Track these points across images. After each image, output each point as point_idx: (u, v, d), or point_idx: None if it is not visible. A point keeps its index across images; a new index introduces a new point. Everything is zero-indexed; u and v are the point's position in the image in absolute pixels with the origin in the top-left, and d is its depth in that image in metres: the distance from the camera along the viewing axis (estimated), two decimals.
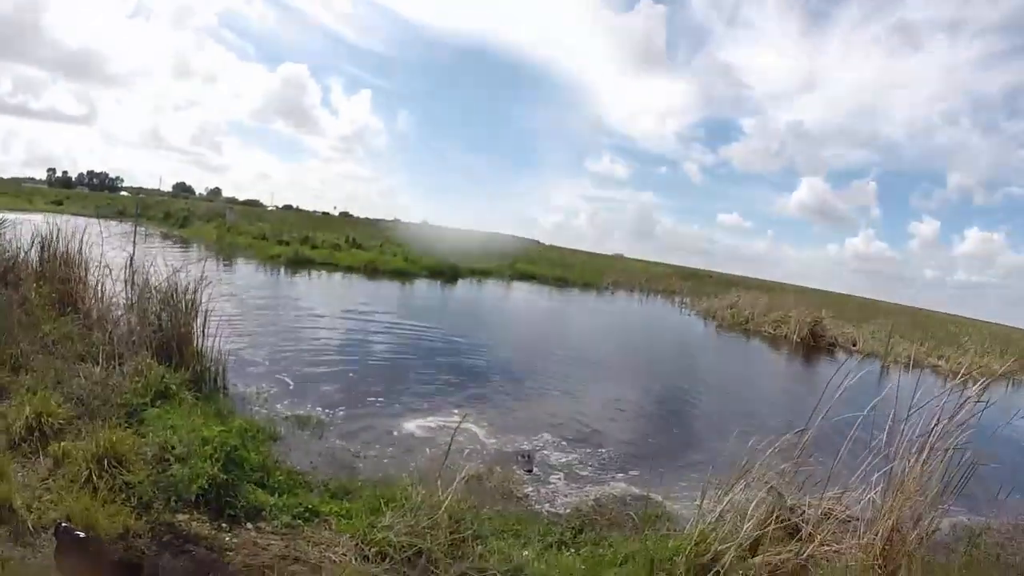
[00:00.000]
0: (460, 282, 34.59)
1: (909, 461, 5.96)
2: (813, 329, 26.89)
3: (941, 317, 41.93)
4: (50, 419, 6.43)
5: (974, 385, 6.48)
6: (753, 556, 5.73)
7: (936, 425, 5.99)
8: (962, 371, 6.90)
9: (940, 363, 22.88)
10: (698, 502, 6.26)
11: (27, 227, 11.88)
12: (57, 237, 11.28)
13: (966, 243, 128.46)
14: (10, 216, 13.00)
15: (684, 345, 25.71)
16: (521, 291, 34.93)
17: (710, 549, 5.45)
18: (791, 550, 5.82)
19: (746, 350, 25.86)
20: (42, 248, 11.30)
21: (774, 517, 6.07)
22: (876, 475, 6.24)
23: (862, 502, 6.34)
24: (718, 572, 5.20)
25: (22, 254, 11.30)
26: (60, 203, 43.84)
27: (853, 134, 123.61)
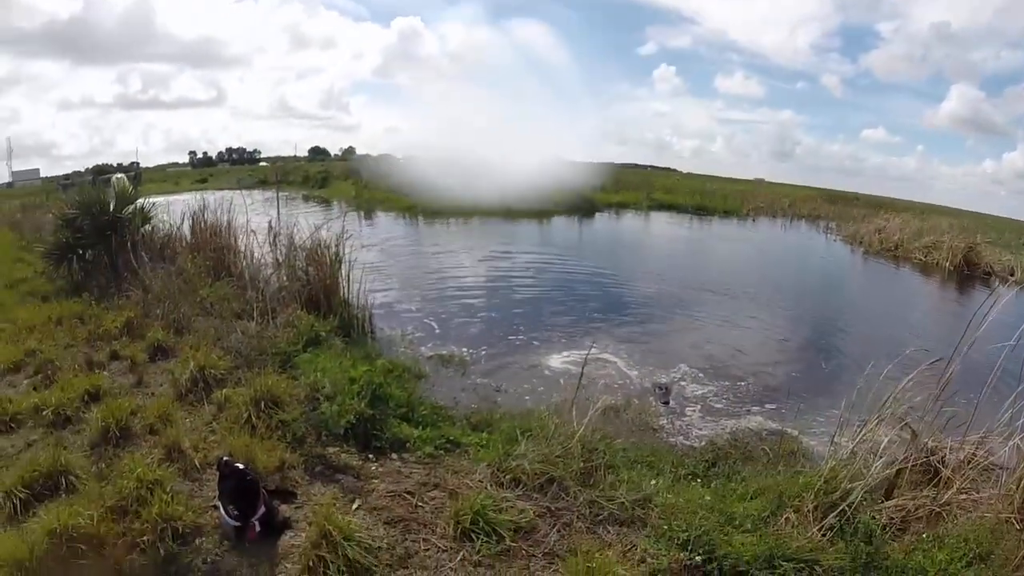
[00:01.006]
0: (597, 216, 34.14)
1: None
2: (967, 256, 24.35)
3: None
4: (212, 371, 6.98)
5: None
6: (888, 499, 5.53)
7: None
8: None
9: None
10: (833, 437, 6.12)
11: (177, 206, 12.73)
12: (204, 211, 12.05)
13: None
14: (160, 199, 13.89)
15: (829, 273, 24.37)
16: (659, 222, 34.14)
17: (839, 487, 5.26)
18: (927, 495, 5.53)
19: (894, 278, 24.26)
20: (192, 222, 12.11)
21: (911, 458, 5.75)
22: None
23: (1007, 448, 5.81)
24: (844, 511, 5.04)
25: (175, 230, 12.18)
26: (204, 180, 45.87)
27: (1003, 33, 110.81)
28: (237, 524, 4.39)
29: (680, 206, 39.24)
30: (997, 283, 21.67)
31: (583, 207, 34.13)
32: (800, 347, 12.93)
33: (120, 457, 5.28)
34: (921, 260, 25.73)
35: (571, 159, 47.07)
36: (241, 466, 4.58)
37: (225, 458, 4.65)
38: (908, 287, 22.97)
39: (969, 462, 5.89)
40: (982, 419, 6.12)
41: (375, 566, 4.34)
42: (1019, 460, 5.54)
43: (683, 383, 9.83)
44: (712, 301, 16.07)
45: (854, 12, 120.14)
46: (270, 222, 11.42)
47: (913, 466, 5.77)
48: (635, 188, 42.72)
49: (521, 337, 11.49)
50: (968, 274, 23.53)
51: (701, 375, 10.24)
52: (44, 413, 6.06)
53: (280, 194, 20.12)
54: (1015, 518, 5.13)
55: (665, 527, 4.93)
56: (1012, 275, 22.99)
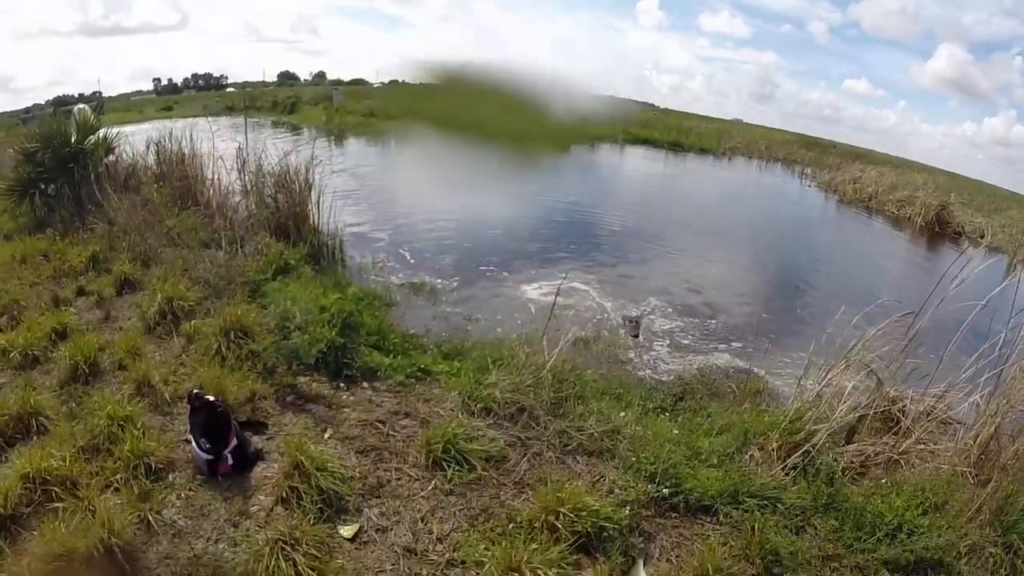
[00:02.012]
0: (572, 147, 33.35)
1: (1020, 368, 5.63)
2: (939, 214, 24.39)
3: None
4: (180, 303, 6.91)
5: None
6: (848, 443, 5.67)
7: None
8: None
9: None
10: (799, 380, 6.20)
11: (142, 136, 12.44)
12: (170, 139, 11.78)
13: None
14: (125, 128, 13.54)
15: (802, 218, 24.66)
16: (635, 156, 33.92)
17: (804, 428, 5.38)
18: (886, 443, 5.71)
19: (866, 228, 24.46)
20: (157, 151, 11.85)
21: (873, 405, 5.89)
22: (984, 376, 5.85)
23: (966, 405, 6.02)
24: (808, 451, 5.15)
25: (140, 160, 11.93)
26: (170, 108, 44.42)
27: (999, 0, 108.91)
28: (209, 457, 4.42)
29: (656, 141, 38.82)
30: (967, 243, 22.05)
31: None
32: (770, 289, 13.11)
33: (90, 395, 5.25)
34: (894, 213, 25.88)
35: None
36: (212, 398, 4.60)
37: (195, 391, 4.66)
38: (880, 238, 23.17)
39: (928, 414, 6.08)
40: (944, 374, 6.27)
41: (348, 495, 4.40)
42: (977, 417, 5.70)
43: (653, 317, 9.94)
44: (685, 238, 16.10)
45: None
46: (238, 148, 11.20)
47: (875, 414, 5.93)
48: (611, 121, 42.28)
49: (493, 267, 11.48)
50: (939, 232, 23.70)
51: (671, 310, 10.35)
52: (11, 355, 5.97)
53: (248, 120, 19.68)
54: (970, 473, 5.30)
55: (633, 459, 5.02)
56: (982, 237, 23.31)
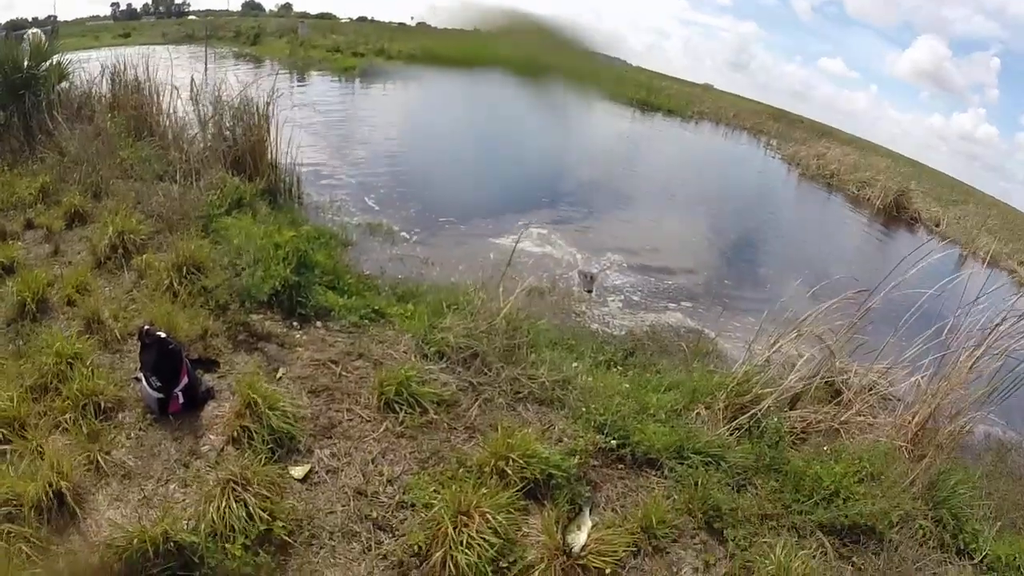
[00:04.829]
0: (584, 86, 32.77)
1: (964, 354, 5.75)
2: (898, 199, 24.98)
3: None
4: (132, 236, 6.73)
5: None
6: (791, 409, 5.84)
7: (1001, 324, 5.71)
8: None
9: (1019, 268, 21.35)
10: (750, 344, 6.32)
11: (97, 63, 12.01)
12: (125, 66, 11.33)
13: None
14: (80, 55, 13.06)
15: (764, 187, 25.00)
16: (602, 110, 33.68)
17: (751, 391, 5.52)
18: (828, 411, 5.92)
19: (826, 204, 24.88)
20: (112, 80, 11.42)
21: (819, 375, 6.09)
22: (928, 359, 6.07)
23: (907, 383, 6.28)
24: (755, 414, 5.30)
25: (93, 88, 11.51)
26: (127, 35, 42.75)
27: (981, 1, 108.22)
28: (160, 396, 4.38)
29: (624, 97, 38.55)
30: (922, 230, 22.47)
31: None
32: (727, 253, 13.36)
33: (38, 332, 5.12)
34: (853, 193, 26.36)
35: None
36: (163, 335, 4.53)
37: (146, 327, 4.59)
38: (838, 215, 23.64)
39: (871, 388, 6.38)
40: (889, 354, 6.55)
41: (299, 436, 4.41)
42: (917, 396, 5.94)
43: (608, 272, 10.05)
44: (647, 196, 16.35)
45: None
46: (192, 77, 10.89)
47: (821, 383, 6.17)
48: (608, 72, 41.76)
49: (453, 212, 11.41)
50: (896, 216, 24.20)
51: (627, 267, 10.54)
52: None
53: (209, 50, 19.19)
54: (907, 448, 5.57)
55: (583, 409, 5.11)
56: (938, 226, 24.05)
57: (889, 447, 5.43)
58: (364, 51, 35.35)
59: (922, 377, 6.02)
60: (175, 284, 5.93)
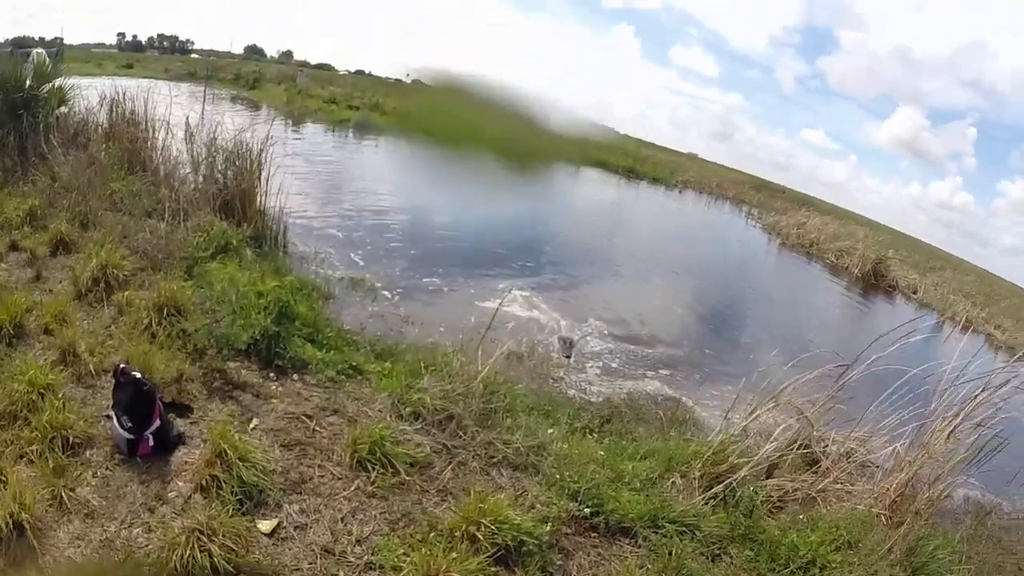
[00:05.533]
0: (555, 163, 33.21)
1: (942, 423, 5.85)
2: (876, 267, 25.83)
3: (1010, 287, 39.32)
4: (115, 270, 6.69)
5: None
6: (768, 477, 5.84)
7: (980, 393, 5.81)
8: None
9: (996, 332, 21.93)
10: (726, 414, 6.35)
11: (97, 91, 12.07)
12: (125, 98, 11.41)
13: None
14: (81, 80, 13.14)
15: (744, 256, 25.54)
16: (589, 178, 34.23)
17: (727, 460, 5.53)
18: (805, 480, 5.92)
19: (805, 273, 25.47)
20: (111, 109, 11.47)
21: (797, 444, 6.14)
22: (907, 428, 6.18)
23: (886, 451, 6.35)
24: (730, 483, 5.31)
25: (92, 116, 11.55)
26: (130, 66, 43.22)
27: (959, 71, 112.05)
28: (130, 437, 4.30)
29: (611, 165, 39.24)
30: (900, 297, 22.94)
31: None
32: (707, 322, 13.49)
33: (12, 358, 5.04)
34: (832, 262, 27.05)
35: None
36: (138, 375, 4.50)
37: (122, 365, 4.55)
38: (817, 283, 24.22)
39: (849, 456, 6.41)
40: (867, 423, 6.62)
41: (269, 489, 4.34)
42: (897, 463, 6.00)
43: (588, 340, 10.08)
44: (629, 264, 16.50)
45: (821, 15, 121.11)
46: (187, 118, 10.96)
47: (798, 451, 6.17)
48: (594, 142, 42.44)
49: (437, 273, 11.49)
50: (874, 283, 24.70)
51: (607, 334, 10.56)
52: None
53: (208, 90, 19.33)
54: (885, 515, 5.59)
55: (557, 476, 5.08)
56: (915, 293, 24.66)
57: (867, 514, 5.45)
58: (359, 104, 35.80)
59: (901, 444, 6.10)
60: (154, 324, 5.87)
